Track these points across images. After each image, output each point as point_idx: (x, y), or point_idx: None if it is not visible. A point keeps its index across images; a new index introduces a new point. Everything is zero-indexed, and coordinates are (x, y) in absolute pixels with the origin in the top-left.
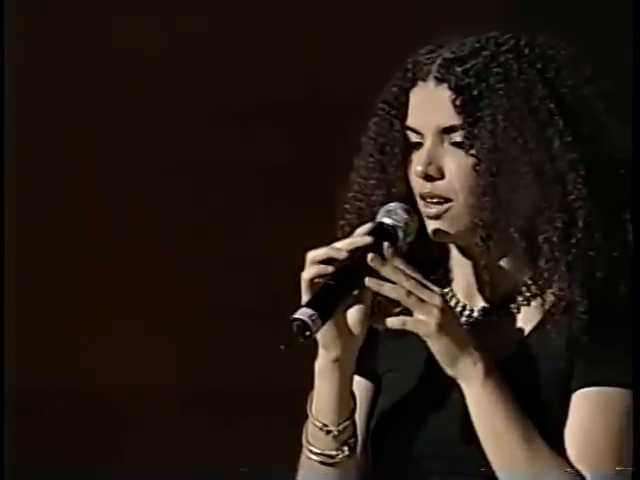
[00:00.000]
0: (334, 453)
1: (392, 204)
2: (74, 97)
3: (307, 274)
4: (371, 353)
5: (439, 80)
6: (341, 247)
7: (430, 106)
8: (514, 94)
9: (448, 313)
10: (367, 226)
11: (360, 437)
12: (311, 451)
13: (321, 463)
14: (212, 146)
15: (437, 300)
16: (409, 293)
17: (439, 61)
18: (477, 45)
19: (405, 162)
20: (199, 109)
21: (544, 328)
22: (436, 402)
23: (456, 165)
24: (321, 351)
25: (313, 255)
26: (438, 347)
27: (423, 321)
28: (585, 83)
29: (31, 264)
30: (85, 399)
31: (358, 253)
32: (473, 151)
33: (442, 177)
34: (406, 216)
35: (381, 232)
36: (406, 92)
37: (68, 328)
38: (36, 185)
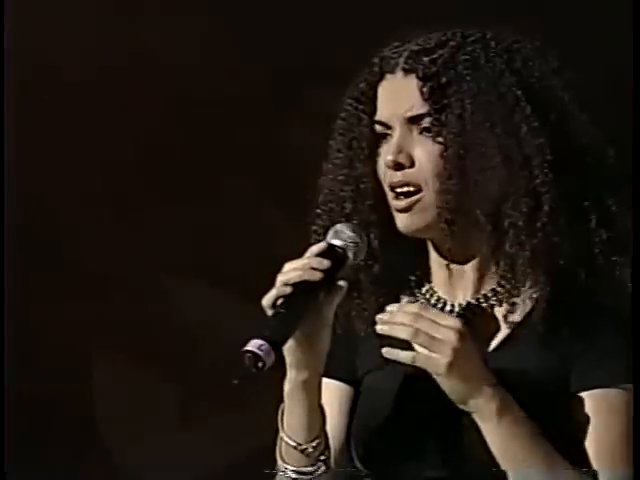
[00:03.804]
0: (310, 469)
1: (339, 225)
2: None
3: (268, 298)
4: (349, 357)
5: (407, 71)
6: (299, 267)
7: (398, 97)
8: (482, 80)
9: (464, 349)
10: (318, 247)
11: (338, 445)
12: (287, 469)
13: None
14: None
15: (452, 336)
16: (417, 331)
17: (406, 53)
18: (443, 38)
19: (373, 157)
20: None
21: (522, 323)
22: (423, 397)
23: (425, 152)
24: (291, 372)
25: (286, 278)
26: (447, 387)
27: (434, 358)
28: (551, 74)
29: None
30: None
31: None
32: (440, 138)
33: (412, 165)
34: (354, 235)
35: (331, 254)
36: (374, 87)
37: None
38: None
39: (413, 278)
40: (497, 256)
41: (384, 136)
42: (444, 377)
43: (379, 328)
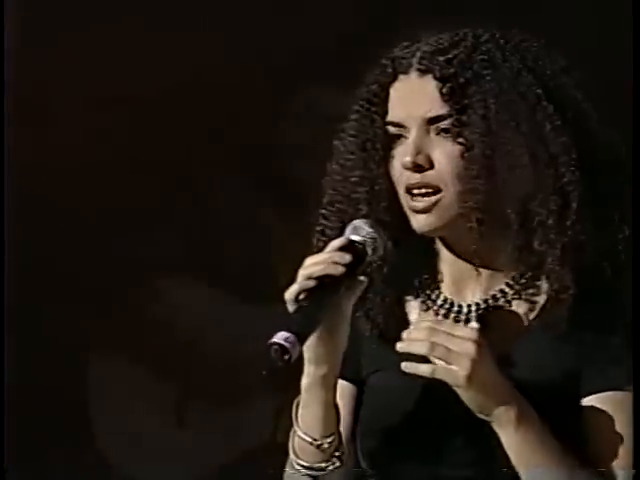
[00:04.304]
0: (324, 465)
1: (357, 221)
2: None
3: (291, 292)
4: (354, 356)
5: (422, 71)
6: (321, 261)
7: (415, 98)
8: (502, 79)
9: (481, 360)
10: (338, 242)
11: (344, 443)
12: (300, 465)
13: (309, 476)
14: None
15: (469, 348)
16: (434, 345)
17: (419, 54)
18: (456, 38)
19: (386, 158)
20: None
21: (537, 321)
22: (429, 398)
23: (444, 154)
24: (310, 367)
25: (309, 272)
26: (466, 397)
27: (452, 371)
28: (561, 72)
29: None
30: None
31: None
32: (461, 139)
33: (431, 167)
34: (372, 231)
35: (352, 249)
36: (386, 88)
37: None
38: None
39: (420, 280)
40: (524, 255)
41: (398, 137)
42: (464, 389)
43: (399, 347)
